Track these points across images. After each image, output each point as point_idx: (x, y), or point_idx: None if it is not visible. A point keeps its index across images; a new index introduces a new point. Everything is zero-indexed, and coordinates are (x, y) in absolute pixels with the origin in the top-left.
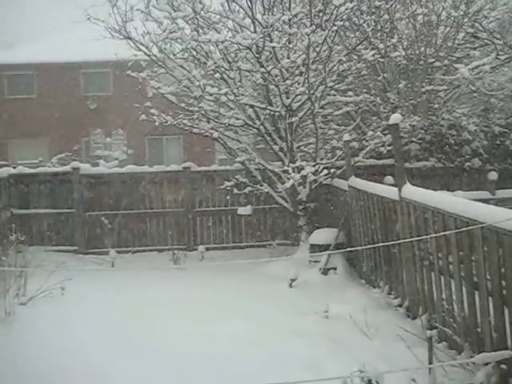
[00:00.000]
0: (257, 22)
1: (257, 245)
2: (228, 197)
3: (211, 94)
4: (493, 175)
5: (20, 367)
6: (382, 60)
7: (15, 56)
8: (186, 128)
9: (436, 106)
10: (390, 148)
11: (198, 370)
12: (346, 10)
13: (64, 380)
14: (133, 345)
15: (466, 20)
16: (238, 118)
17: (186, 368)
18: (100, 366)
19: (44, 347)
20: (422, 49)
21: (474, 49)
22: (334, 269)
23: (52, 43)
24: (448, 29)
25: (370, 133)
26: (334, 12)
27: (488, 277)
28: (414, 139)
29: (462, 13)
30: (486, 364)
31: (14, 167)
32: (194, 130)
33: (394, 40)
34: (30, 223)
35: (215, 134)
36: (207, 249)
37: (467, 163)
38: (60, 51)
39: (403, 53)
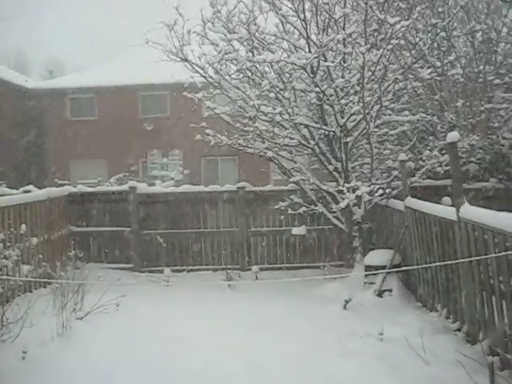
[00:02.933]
0: (311, 43)
1: (311, 266)
2: (282, 217)
3: (266, 114)
4: None
5: (75, 381)
6: (438, 78)
7: (77, 80)
8: (241, 148)
9: (496, 124)
10: (447, 168)
11: None
12: (402, 28)
13: None
14: (185, 362)
15: None
16: (292, 138)
17: None
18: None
19: (99, 362)
20: (481, 66)
21: None
22: (390, 291)
23: (112, 67)
24: (509, 45)
25: (427, 152)
26: (389, 31)
27: None
28: (472, 159)
29: None
30: None
31: (74, 186)
32: (249, 150)
33: (451, 58)
34: (88, 240)
35: (270, 154)
36: (261, 269)
37: None
38: (119, 75)
39: (461, 71)
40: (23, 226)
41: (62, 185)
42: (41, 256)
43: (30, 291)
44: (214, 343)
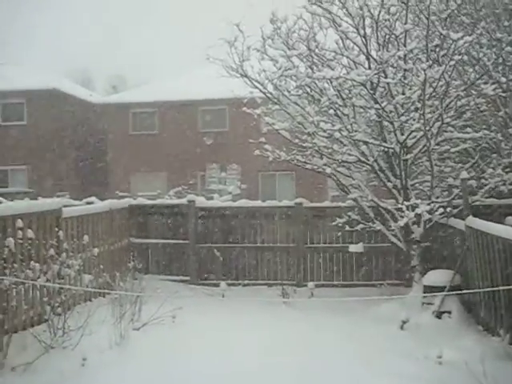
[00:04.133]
0: (371, 59)
1: (367, 284)
2: (339, 233)
3: (325, 130)
4: None
5: None
6: (503, 94)
7: (139, 95)
8: (299, 164)
9: None
10: (511, 187)
11: None
12: (465, 43)
13: None
14: (236, 380)
15: None
16: (351, 155)
17: None
18: None
19: (154, 373)
20: None
21: None
22: (449, 312)
23: (173, 82)
24: None
25: (490, 170)
26: (452, 46)
27: None
28: None
29: None
30: None
31: (135, 198)
32: (307, 166)
33: None
34: (146, 252)
35: (328, 170)
36: (317, 285)
37: None
38: (180, 89)
39: None
40: (85, 236)
41: (122, 197)
42: (101, 266)
43: (90, 300)
44: (266, 361)
